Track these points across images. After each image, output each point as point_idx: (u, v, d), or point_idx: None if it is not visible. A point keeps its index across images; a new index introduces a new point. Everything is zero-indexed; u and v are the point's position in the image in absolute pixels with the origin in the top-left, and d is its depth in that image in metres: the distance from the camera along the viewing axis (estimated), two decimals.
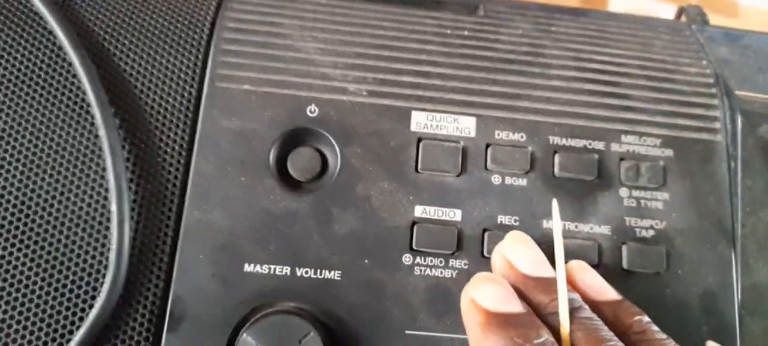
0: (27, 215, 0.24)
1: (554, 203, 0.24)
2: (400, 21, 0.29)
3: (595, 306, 0.23)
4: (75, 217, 0.24)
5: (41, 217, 0.24)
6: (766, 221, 0.28)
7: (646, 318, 0.23)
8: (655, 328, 0.22)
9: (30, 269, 0.24)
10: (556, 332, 0.21)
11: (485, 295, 0.22)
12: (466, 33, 0.29)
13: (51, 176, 0.25)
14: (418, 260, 0.26)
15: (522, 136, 0.27)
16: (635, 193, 0.28)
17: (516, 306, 0.21)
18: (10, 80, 0.26)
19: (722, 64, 0.31)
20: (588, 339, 0.21)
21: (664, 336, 0.22)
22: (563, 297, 0.22)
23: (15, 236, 0.24)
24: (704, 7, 0.36)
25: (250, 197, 0.25)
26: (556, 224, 0.23)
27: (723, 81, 0.30)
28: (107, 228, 0.24)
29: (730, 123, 0.29)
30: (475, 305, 0.22)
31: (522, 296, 0.22)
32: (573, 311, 0.22)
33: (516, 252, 0.23)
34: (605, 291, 0.24)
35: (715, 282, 0.27)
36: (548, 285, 0.22)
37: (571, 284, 0.23)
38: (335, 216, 0.26)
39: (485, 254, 0.26)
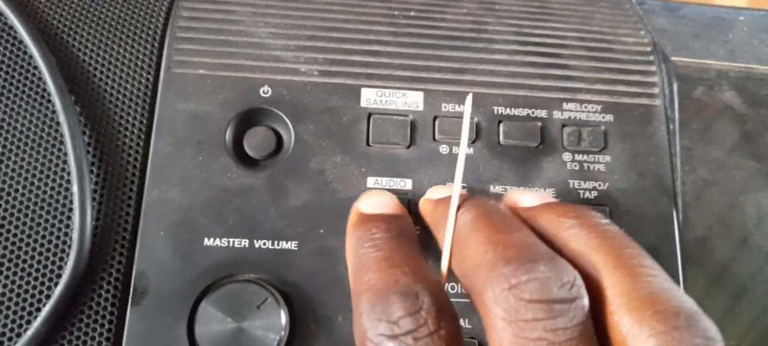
0: None
1: (469, 96, 0.24)
2: (349, 4, 0.31)
3: (530, 217, 0.22)
4: (39, 200, 0.26)
5: (6, 201, 0.25)
6: (704, 177, 0.30)
7: (582, 207, 0.22)
8: (591, 212, 0.21)
9: None
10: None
11: (367, 202, 0.23)
12: (412, 13, 0.31)
13: (15, 162, 0.26)
14: None
15: None
16: (578, 157, 0.29)
17: (392, 210, 0.22)
18: None
19: (660, 33, 0.32)
20: (476, 214, 0.21)
21: (599, 215, 0.21)
22: (458, 178, 0.22)
23: None
24: None
25: (207, 174, 0.27)
26: (466, 116, 0.23)
27: (660, 49, 0.32)
28: (71, 209, 0.26)
29: (667, 88, 0.31)
30: (354, 210, 0.23)
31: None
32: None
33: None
34: (538, 197, 0.23)
35: (658, 238, 0.28)
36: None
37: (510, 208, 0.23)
38: (290, 190, 0.27)
39: None
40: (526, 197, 0.23)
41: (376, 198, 0.24)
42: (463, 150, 0.23)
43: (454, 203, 0.22)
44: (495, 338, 0.17)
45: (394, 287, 0.18)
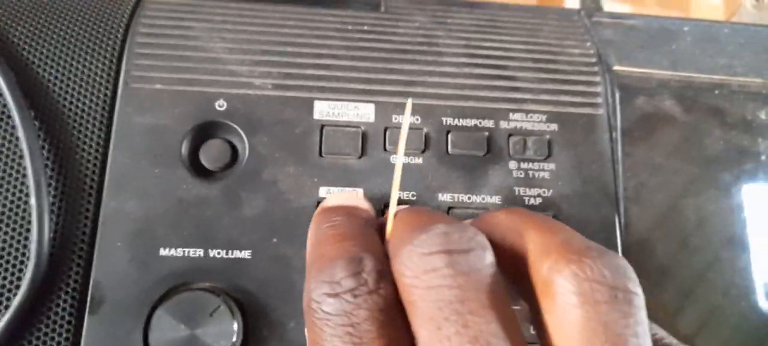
0: None
1: (409, 101, 0.25)
2: (304, 20, 0.32)
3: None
4: None
5: None
6: (645, 182, 0.31)
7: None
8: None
9: None
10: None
11: (332, 197, 0.25)
12: (365, 28, 0.32)
13: None
14: None
15: (417, 119, 0.30)
16: (523, 165, 0.30)
17: (355, 203, 0.24)
18: None
19: (606, 44, 0.34)
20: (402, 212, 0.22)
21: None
22: (397, 175, 0.23)
23: None
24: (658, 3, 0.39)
25: (163, 186, 0.28)
26: (405, 119, 0.25)
27: (604, 59, 0.33)
28: (30, 222, 0.26)
29: (610, 97, 0.32)
30: (319, 206, 0.25)
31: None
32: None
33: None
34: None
35: (601, 241, 0.29)
36: None
37: None
38: (244, 200, 0.28)
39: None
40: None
41: (342, 194, 0.26)
42: (401, 151, 0.24)
43: (392, 207, 0.23)
44: (405, 301, 0.19)
45: (343, 255, 0.19)
